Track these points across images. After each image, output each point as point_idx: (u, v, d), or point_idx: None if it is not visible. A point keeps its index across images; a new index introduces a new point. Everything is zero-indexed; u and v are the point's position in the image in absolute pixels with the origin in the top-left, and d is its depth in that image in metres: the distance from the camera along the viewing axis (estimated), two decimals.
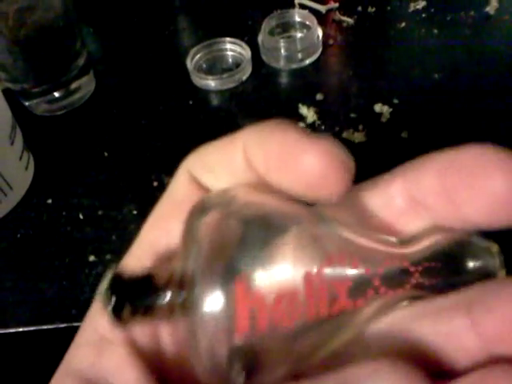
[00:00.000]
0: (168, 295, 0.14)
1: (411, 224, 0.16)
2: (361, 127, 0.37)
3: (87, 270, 0.31)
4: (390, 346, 0.14)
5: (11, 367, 0.33)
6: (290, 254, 0.13)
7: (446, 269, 0.15)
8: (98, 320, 0.16)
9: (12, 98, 0.38)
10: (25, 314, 0.30)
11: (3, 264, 0.33)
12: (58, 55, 0.39)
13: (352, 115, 0.38)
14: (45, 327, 0.29)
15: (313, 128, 0.37)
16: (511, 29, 0.43)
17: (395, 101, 0.38)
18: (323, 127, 0.37)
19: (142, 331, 0.16)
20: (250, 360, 0.13)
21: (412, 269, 0.14)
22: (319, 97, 0.39)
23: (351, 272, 0.14)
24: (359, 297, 0.14)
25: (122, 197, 0.35)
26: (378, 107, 0.38)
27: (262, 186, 0.15)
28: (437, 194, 0.14)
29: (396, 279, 0.14)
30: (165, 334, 0.16)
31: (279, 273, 0.13)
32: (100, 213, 0.34)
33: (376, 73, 0.41)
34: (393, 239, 0.15)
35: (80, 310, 0.29)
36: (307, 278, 0.13)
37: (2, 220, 0.35)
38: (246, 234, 0.14)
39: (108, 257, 0.32)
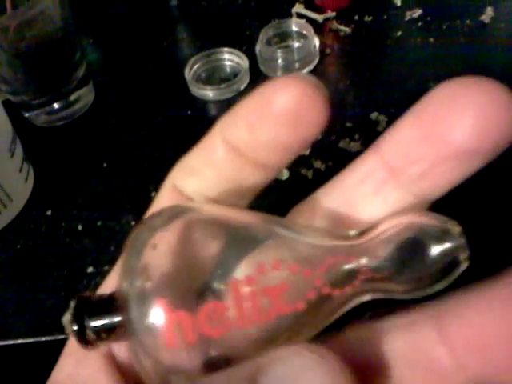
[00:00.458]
0: (117, 318, 0.14)
1: (393, 194, 0.15)
2: (357, 136, 0.37)
3: (85, 281, 0.32)
4: (362, 357, 0.14)
5: (10, 379, 0.33)
6: (215, 266, 0.14)
7: (401, 258, 0.14)
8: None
9: (12, 110, 0.39)
10: (24, 326, 0.30)
11: (2, 275, 0.33)
12: (57, 67, 0.39)
13: (348, 124, 0.38)
14: (44, 339, 0.29)
15: None
16: (506, 37, 0.43)
17: (391, 110, 0.39)
18: (319, 136, 0.38)
19: (118, 345, 0.16)
20: (190, 375, 0.13)
21: (359, 262, 0.14)
22: None
23: (287, 276, 0.13)
24: (298, 300, 0.13)
25: (120, 207, 0.35)
26: (374, 116, 0.38)
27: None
28: (416, 140, 0.14)
29: (341, 276, 0.14)
30: None
31: (203, 285, 0.13)
32: (99, 224, 0.35)
33: (372, 82, 0.42)
34: (351, 232, 0.15)
35: None
36: (233, 287, 0.13)
37: (2, 231, 0.35)
38: (170, 253, 0.14)
39: (106, 268, 0.32)
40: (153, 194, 0.36)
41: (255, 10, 0.50)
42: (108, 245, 0.33)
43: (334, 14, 0.48)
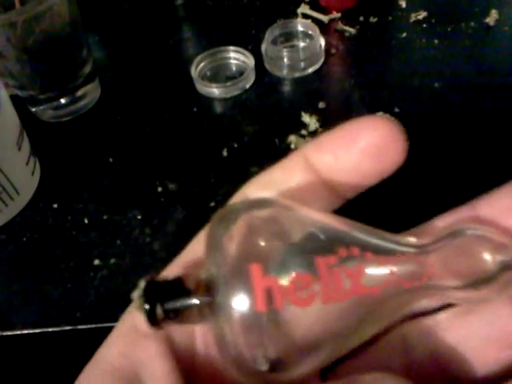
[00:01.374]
0: (196, 300, 0.15)
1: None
2: None
3: (92, 273, 0.32)
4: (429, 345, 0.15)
5: (17, 369, 0.33)
6: (302, 249, 0.15)
7: (462, 262, 0.15)
8: (135, 315, 0.16)
9: (19, 105, 0.39)
10: (31, 317, 0.30)
11: (9, 267, 0.33)
12: (64, 63, 0.40)
13: None
14: (50, 330, 0.29)
15: (315, 135, 0.38)
16: (511, 40, 0.44)
17: (396, 109, 0.39)
18: None
19: (179, 330, 0.16)
20: (274, 349, 0.14)
21: (426, 261, 0.15)
22: (321, 105, 0.40)
23: (363, 262, 0.15)
24: (373, 284, 0.14)
25: (126, 202, 0.36)
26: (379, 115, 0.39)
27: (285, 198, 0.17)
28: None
29: (410, 270, 0.15)
30: (199, 335, 0.17)
31: (293, 262, 0.14)
32: (105, 217, 0.35)
33: (377, 82, 0.42)
34: (411, 239, 0.17)
35: (85, 313, 0.30)
36: (320, 265, 0.14)
37: (9, 224, 0.35)
38: (262, 238, 0.15)
39: (112, 261, 0.32)
40: (159, 189, 0.36)
41: (261, 10, 0.50)
42: (114, 238, 0.33)
43: (339, 14, 0.48)
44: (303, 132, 0.38)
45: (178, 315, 0.15)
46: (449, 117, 0.38)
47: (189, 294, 0.15)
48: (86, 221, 0.35)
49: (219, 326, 0.14)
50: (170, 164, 0.38)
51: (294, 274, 0.14)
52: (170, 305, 0.15)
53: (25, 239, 0.34)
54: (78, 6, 0.40)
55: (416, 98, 0.40)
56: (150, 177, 0.37)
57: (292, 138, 0.38)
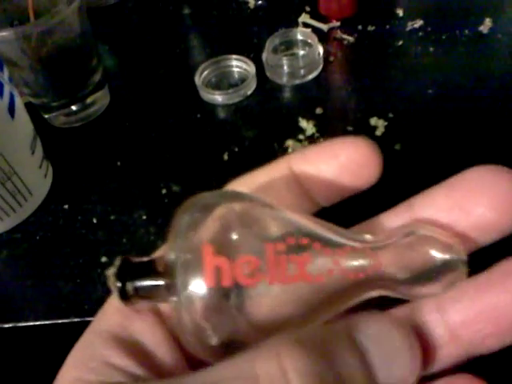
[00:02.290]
0: (160, 281, 0.16)
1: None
2: None
3: (99, 269, 0.34)
4: None
5: (30, 357, 0.35)
6: (254, 235, 0.16)
7: (409, 259, 0.17)
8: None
9: (33, 111, 0.41)
10: (42, 309, 0.32)
11: (23, 263, 0.35)
12: (75, 72, 0.42)
13: (349, 128, 0.40)
14: (60, 321, 0.31)
15: (311, 140, 0.40)
16: (504, 47, 0.45)
17: (390, 115, 0.41)
18: (321, 139, 0.40)
19: (166, 305, 0.18)
20: (224, 325, 0.15)
21: (371, 255, 0.17)
22: (319, 111, 0.42)
23: (311, 251, 0.16)
24: (319, 272, 0.16)
25: (132, 203, 0.38)
26: (373, 121, 0.40)
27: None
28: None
29: (356, 262, 0.16)
30: None
31: (243, 246, 0.16)
32: (112, 217, 0.37)
33: (373, 88, 0.44)
34: (367, 236, 0.18)
35: (92, 306, 0.32)
36: (268, 249, 0.16)
37: (23, 223, 0.37)
38: (218, 225, 0.16)
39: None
40: (163, 191, 0.38)
41: (263, 20, 0.52)
42: (120, 237, 0.36)
43: (338, 23, 0.50)
44: (300, 137, 0.40)
45: (145, 294, 0.16)
46: (442, 123, 0.40)
47: (156, 274, 0.16)
48: (94, 221, 0.37)
49: (177, 305, 0.16)
50: (174, 167, 0.40)
51: (242, 256, 0.15)
52: (138, 284, 0.16)
53: (38, 238, 0.36)
54: (89, 17, 0.42)
55: (410, 105, 0.42)
56: (155, 179, 0.39)
57: (290, 143, 0.40)
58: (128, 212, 0.37)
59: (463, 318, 0.16)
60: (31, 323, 0.32)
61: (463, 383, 0.16)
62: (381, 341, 0.15)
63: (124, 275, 0.16)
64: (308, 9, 0.51)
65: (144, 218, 0.37)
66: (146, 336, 0.17)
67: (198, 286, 0.15)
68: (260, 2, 0.54)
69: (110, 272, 0.16)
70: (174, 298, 0.16)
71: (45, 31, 0.38)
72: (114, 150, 0.42)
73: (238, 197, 0.17)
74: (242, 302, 0.15)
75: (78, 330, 0.31)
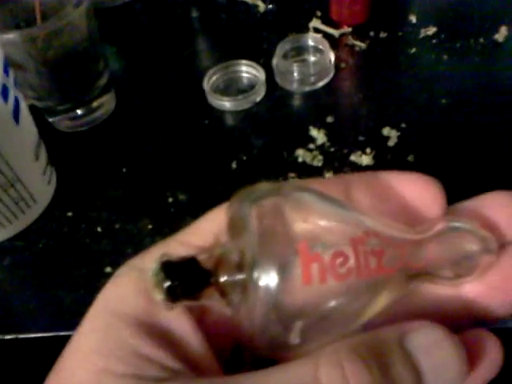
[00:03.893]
0: (223, 277, 0.15)
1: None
2: (368, 150, 0.38)
3: (103, 280, 0.33)
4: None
5: (31, 370, 0.34)
6: (333, 230, 0.16)
7: (452, 251, 0.18)
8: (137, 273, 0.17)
9: (37, 115, 0.41)
10: (45, 321, 0.31)
11: (26, 272, 0.34)
12: (81, 75, 0.41)
13: (360, 138, 0.39)
14: (62, 333, 0.31)
15: (322, 149, 0.39)
16: None
17: (403, 125, 0.40)
18: (332, 149, 0.39)
19: None
20: (306, 322, 0.15)
21: (427, 246, 0.17)
22: (330, 119, 0.41)
23: (383, 244, 0.16)
24: (390, 266, 0.16)
25: (138, 211, 0.37)
26: (385, 131, 0.39)
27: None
28: None
29: (414, 256, 0.17)
30: None
31: (331, 238, 0.16)
32: (117, 226, 0.36)
33: (385, 97, 0.43)
34: (410, 228, 0.18)
35: None
36: (353, 243, 0.16)
37: (25, 231, 0.36)
38: (290, 218, 0.16)
39: None
40: (170, 199, 0.37)
41: (273, 24, 0.51)
42: (125, 247, 0.35)
43: (350, 29, 0.49)
44: (311, 146, 0.39)
45: (195, 293, 0.15)
46: (456, 134, 0.39)
47: (207, 271, 0.15)
48: (98, 229, 0.36)
49: (253, 303, 0.15)
50: (180, 175, 0.39)
51: (334, 251, 0.15)
52: (191, 283, 0.15)
53: (40, 246, 0.36)
54: (97, 19, 0.41)
55: (423, 114, 0.41)
56: (161, 187, 0.38)
57: (300, 152, 0.39)
58: (133, 221, 0.36)
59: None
60: (33, 335, 0.31)
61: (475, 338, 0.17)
62: (431, 352, 0.15)
63: (171, 275, 0.15)
64: (319, 14, 0.51)
65: (150, 227, 0.36)
66: (175, 324, 0.16)
67: (291, 284, 0.15)
68: (270, 6, 0.53)
69: (153, 273, 0.15)
70: (245, 296, 0.15)
71: (51, 33, 0.37)
72: (120, 155, 0.41)
73: (297, 187, 0.17)
74: (324, 298, 0.15)
75: None
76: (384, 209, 0.19)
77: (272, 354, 0.16)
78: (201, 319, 0.17)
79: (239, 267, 0.15)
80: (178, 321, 0.16)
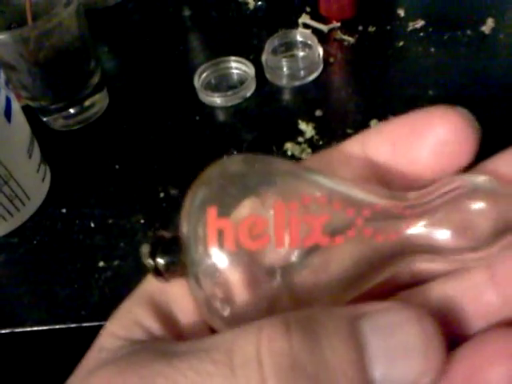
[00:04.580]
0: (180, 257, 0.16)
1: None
2: None
3: (97, 274, 0.34)
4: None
5: (26, 362, 0.35)
6: (265, 195, 0.15)
7: (455, 218, 0.14)
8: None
9: (31, 114, 0.41)
10: (39, 315, 0.32)
11: (20, 268, 0.35)
12: (73, 75, 0.42)
13: (349, 131, 0.40)
14: (57, 327, 0.31)
15: (311, 143, 0.39)
16: (506, 48, 0.45)
17: (390, 117, 0.40)
18: (321, 142, 0.39)
19: None
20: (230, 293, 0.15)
21: (405, 212, 0.14)
22: (318, 113, 0.42)
23: (329, 210, 0.14)
24: (338, 234, 0.14)
25: (130, 207, 0.37)
26: (373, 123, 0.40)
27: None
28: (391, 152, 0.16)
29: (386, 222, 0.14)
30: None
31: (249, 206, 0.15)
32: (110, 221, 0.37)
33: (373, 90, 0.43)
34: (398, 192, 0.15)
35: (89, 312, 0.32)
36: (277, 208, 0.14)
37: (20, 228, 0.37)
38: (226, 188, 0.15)
39: (116, 263, 0.34)
40: (161, 194, 0.38)
41: (263, 21, 0.52)
42: (118, 241, 0.35)
43: (338, 24, 0.49)
44: (300, 139, 0.40)
45: (175, 270, 0.16)
46: None
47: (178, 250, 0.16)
48: (92, 225, 0.37)
49: (189, 277, 0.16)
50: (172, 170, 0.40)
51: (248, 217, 0.14)
52: (166, 260, 0.16)
53: (35, 242, 0.36)
54: (88, 18, 0.42)
55: (410, 106, 0.41)
56: (153, 183, 0.39)
57: (289, 145, 0.39)
58: (126, 216, 0.37)
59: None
60: (28, 329, 0.31)
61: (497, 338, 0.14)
62: (388, 335, 0.13)
63: (156, 252, 0.16)
64: (308, 10, 0.51)
65: (142, 222, 0.36)
66: (178, 303, 0.17)
67: (203, 254, 0.15)
68: (260, 2, 0.53)
69: (144, 249, 0.16)
70: (188, 272, 0.15)
71: (42, 34, 0.38)
72: (113, 153, 0.42)
73: (251, 160, 0.16)
74: (249, 265, 0.14)
75: (74, 336, 0.31)
76: (404, 159, 0.16)
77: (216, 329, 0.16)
78: None
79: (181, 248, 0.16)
80: (181, 300, 0.17)
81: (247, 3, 0.54)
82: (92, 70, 0.43)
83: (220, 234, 0.14)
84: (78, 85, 0.42)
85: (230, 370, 0.13)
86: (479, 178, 0.15)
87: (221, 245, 0.14)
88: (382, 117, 0.40)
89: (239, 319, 0.15)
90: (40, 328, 0.31)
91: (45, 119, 0.44)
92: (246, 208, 0.15)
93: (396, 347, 0.13)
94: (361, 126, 0.40)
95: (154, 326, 0.17)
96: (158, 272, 0.16)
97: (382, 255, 0.14)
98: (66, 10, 0.38)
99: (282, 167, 0.16)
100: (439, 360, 0.13)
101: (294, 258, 0.14)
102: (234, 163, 0.17)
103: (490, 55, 0.44)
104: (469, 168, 0.17)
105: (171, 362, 0.14)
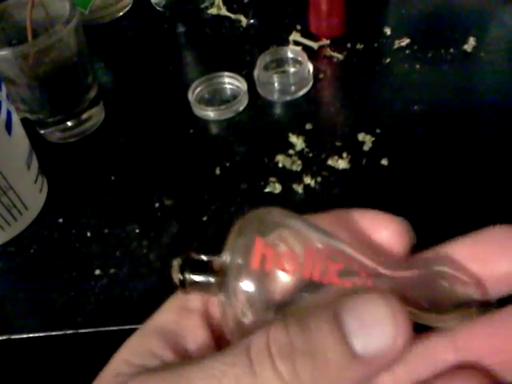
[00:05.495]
0: (213, 278, 0.19)
1: None
2: (345, 155, 0.40)
3: (93, 282, 0.35)
4: None
5: (24, 369, 0.36)
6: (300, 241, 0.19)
7: (426, 291, 0.18)
8: (183, 297, 0.20)
9: (29, 127, 0.42)
10: (36, 322, 0.33)
11: (18, 277, 0.36)
12: (71, 89, 0.43)
13: (337, 143, 0.41)
14: (54, 333, 0.32)
15: (301, 155, 0.41)
16: (487, 65, 0.47)
17: (377, 130, 0.42)
18: (311, 154, 0.41)
19: (216, 309, 0.20)
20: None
21: (391, 275, 0.19)
22: (308, 126, 0.43)
23: (343, 261, 0.19)
24: (347, 279, 0.18)
25: (126, 217, 0.38)
26: (361, 136, 0.41)
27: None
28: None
29: (380, 279, 0.19)
30: None
31: (289, 246, 0.19)
32: (106, 231, 0.38)
33: (361, 105, 0.45)
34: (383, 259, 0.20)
35: (85, 318, 0.33)
36: (308, 250, 0.19)
37: (18, 237, 0.38)
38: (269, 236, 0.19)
39: (112, 271, 0.35)
40: (156, 204, 0.39)
41: (255, 38, 0.53)
42: (114, 250, 0.36)
43: (328, 41, 0.51)
44: (290, 152, 0.41)
45: (200, 287, 0.19)
46: (427, 138, 0.41)
47: (211, 272, 0.19)
48: (88, 234, 0.38)
49: (224, 298, 0.18)
50: (166, 182, 0.41)
51: (286, 251, 0.18)
52: (194, 278, 0.19)
53: (32, 251, 0.37)
54: (86, 35, 0.43)
55: (396, 120, 0.43)
56: (148, 193, 0.40)
57: (280, 158, 0.41)
58: (121, 225, 0.38)
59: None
60: (25, 335, 0.32)
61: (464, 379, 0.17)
62: (359, 311, 0.16)
63: (185, 268, 0.19)
64: (299, 27, 0.53)
65: (137, 231, 0.37)
66: (190, 334, 0.19)
67: (245, 280, 0.18)
68: (252, 20, 0.55)
69: (175, 263, 0.19)
70: (222, 294, 0.18)
71: (42, 50, 0.39)
72: (109, 164, 0.43)
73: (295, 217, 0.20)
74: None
75: (71, 342, 0.32)
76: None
77: None
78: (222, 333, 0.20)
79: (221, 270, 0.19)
80: (195, 332, 0.20)
81: (240, 21, 0.56)
82: (89, 84, 0.44)
83: (263, 260, 0.18)
84: (76, 99, 0.44)
85: (248, 359, 0.16)
86: (444, 262, 0.19)
87: (262, 267, 0.18)
88: (370, 130, 0.42)
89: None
90: (37, 335, 0.32)
91: (42, 132, 0.45)
92: (283, 244, 0.19)
93: (369, 320, 0.16)
94: (349, 138, 0.42)
95: (168, 356, 0.18)
96: (183, 285, 0.19)
97: None
98: (66, 28, 0.40)
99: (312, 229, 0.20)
100: (407, 325, 0.16)
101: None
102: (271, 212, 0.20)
103: (472, 72, 0.46)
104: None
105: (195, 364, 0.16)
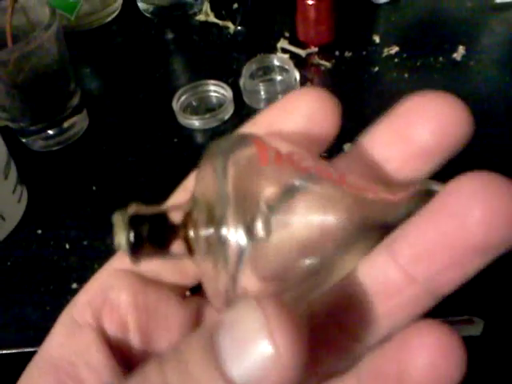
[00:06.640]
0: (190, 232, 0.15)
1: None
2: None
3: (69, 296, 0.33)
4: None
5: None
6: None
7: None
8: (73, 308, 0.18)
9: (10, 135, 0.42)
10: (9, 337, 0.32)
11: None
12: (53, 96, 0.42)
13: (322, 154, 0.41)
14: (27, 350, 0.31)
15: None
16: (476, 74, 0.46)
17: None
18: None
19: (110, 320, 0.18)
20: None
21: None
22: None
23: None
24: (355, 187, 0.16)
25: (106, 229, 0.37)
26: (347, 147, 0.41)
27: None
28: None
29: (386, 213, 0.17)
30: (132, 322, 0.18)
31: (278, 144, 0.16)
32: (85, 243, 0.37)
33: (348, 114, 0.44)
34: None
35: None
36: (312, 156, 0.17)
37: None
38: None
39: None
40: None
41: (242, 45, 0.53)
42: (92, 263, 0.35)
43: (316, 49, 0.51)
44: None
45: (161, 248, 0.15)
46: None
47: (175, 226, 0.15)
48: (67, 246, 0.37)
49: (219, 260, 0.14)
50: (149, 191, 0.40)
51: (290, 150, 0.16)
52: (156, 237, 0.15)
53: (9, 263, 0.36)
54: (72, 40, 0.43)
55: None
56: (129, 204, 0.39)
57: None
58: (101, 238, 0.37)
59: (413, 253, 0.15)
60: None
61: (422, 331, 0.14)
62: (232, 327, 0.13)
63: (137, 229, 0.14)
64: (287, 35, 0.52)
65: None
66: (85, 357, 0.17)
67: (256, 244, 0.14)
68: (239, 27, 0.55)
69: (119, 217, 0.15)
70: (204, 251, 0.14)
71: (22, 56, 0.38)
72: (90, 174, 0.42)
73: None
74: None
75: None
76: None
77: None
78: (124, 350, 0.18)
79: (207, 223, 0.14)
80: (88, 352, 0.17)
81: (228, 27, 0.55)
82: (71, 91, 0.44)
83: (266, 152, 0.15)
84: (57, 106, 0.43)
85: None
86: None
87: (266, 160, 0.15)
88: (356, 140, 0.41)
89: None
90: (10, 351, 0.31)
91: (24, 140, 0.44)
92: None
93: (242, 338, 0.13)
94: (335, 149, 0.41)
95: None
96: (138, 243, 0.15)
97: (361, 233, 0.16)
98: (46, 33, 0.39)
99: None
100: (290, 336, 0.12)
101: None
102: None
103: (461, 81, 0.46)
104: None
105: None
